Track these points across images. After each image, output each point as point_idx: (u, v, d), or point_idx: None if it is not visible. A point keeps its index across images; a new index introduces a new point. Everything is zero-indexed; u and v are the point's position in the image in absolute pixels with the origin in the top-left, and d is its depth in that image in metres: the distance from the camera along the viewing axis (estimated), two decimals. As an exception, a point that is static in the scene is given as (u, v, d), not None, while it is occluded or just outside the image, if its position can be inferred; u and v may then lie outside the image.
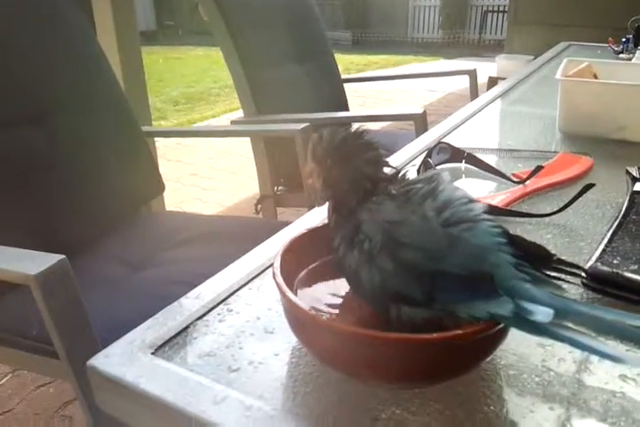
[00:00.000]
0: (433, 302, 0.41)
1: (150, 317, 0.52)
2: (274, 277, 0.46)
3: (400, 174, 0.48)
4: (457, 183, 0.85)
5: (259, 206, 1.67)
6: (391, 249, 0.42)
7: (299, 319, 0.45)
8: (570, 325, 0.37)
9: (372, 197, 0.46)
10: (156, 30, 9.68)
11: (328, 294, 0.51)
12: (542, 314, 0.37)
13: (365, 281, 0.44)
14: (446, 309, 0.40)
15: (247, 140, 1.81)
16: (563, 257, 0.61)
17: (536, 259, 0.44)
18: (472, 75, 2.10)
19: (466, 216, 0.43)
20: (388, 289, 0.42)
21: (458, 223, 0.42)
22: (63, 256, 0.79)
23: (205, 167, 3.37)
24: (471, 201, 0.45)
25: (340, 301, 0.51)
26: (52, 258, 0.78)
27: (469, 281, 0.40)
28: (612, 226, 0.62)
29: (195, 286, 0.57)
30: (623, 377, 0.44)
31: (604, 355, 0.35)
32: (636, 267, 0.53)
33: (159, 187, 1.43)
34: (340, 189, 0.48)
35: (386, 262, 0.42)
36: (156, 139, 1.96)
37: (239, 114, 1.84)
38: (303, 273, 0.52)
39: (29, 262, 0.78)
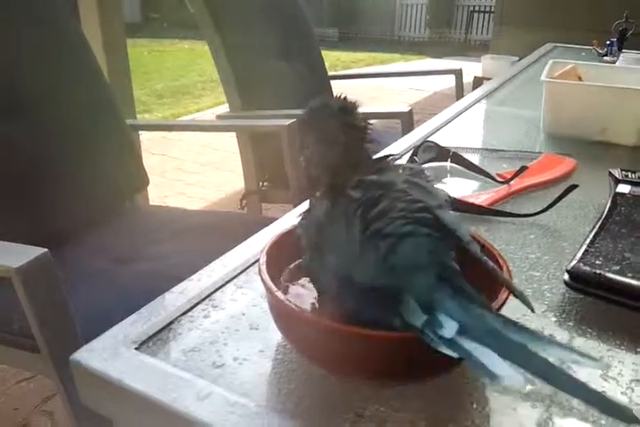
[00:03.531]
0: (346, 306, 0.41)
1: (134, 311, 0.52)
2: (259, 274, 0.45)
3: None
4: (441, 182, 0.86)
5: (243, 202, 1.67)
6: (318, 250, 0.44)
7: (284, 316, 0.45)
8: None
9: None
10: (140, 22, 9.59)
11: (314, 290, 0.51)
12: (446, 330, 0.35)
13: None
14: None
15: (232, 134, 1.80)
16: (545, 257, 0.62)
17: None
18: (458, 74, 2.11)
19: (395, 231, 0.41)
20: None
21: (385, 236, 0.41)
22: (45, 249, 0.78)
23: (190, 162, 3.35)
24: (412, 212, 0.42)
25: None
26: (35, 251, 0.77)
27: (373, 293, 0.39)
28: (594, 227, 0.63)
29: (179, 281, 0.57)
30: (605, 376, 0.44)
31: (491, 375, 0.33)
32: (617, 268, 0.54)
33: (143, 181, 1.42)
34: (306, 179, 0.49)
35: (315, 261, 0.45)
36: (140, 132, 1.94)
37: (224, 108, 1.83)
38: (290, 269, 0.52)
39: (11, 255, 0.78)
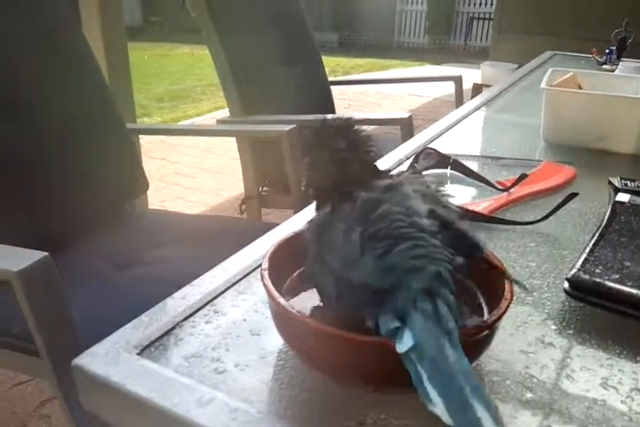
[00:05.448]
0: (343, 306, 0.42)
1: (134, 316, 0.52)
2: (262, 280, 0.46)
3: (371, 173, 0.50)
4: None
5: (243, 207, 1.67)
6: (320, 255, 0.44)
7: (286, 322, 0.45)
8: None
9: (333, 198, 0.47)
10: (141, 26, 9.60)
11: (318, 297, 0.51)
12: (401, 344, 0.37)
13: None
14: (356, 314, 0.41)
15: (231, 139, 1.81)
16: (545, 265, 0.63)
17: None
18: (458, 81, 2.12)
19: (391, 233, 0.42)
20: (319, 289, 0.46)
21: (382, 239, 0.41)
22: (46, 253, 0.78)
23: (190, 166, 3.35)
24: (408, 216, 0.43)
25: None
26: (35, 255, 0.77)
27: (371, 294, 0.40)
28: (594, 235, 0.63)
29: (179, 286, 0.57)
30: (604, 385, 0.44)
31: (426, 397, 0.35)
32: (617, 276, 0.54)
33: (143, 185, 1.42)
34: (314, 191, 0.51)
35: (317, 266, 0.45)
36: (140, 136, 1.95)
37: (224, 113, 1.84)
38: (293, 276, 0.52)
39: (12, 259, 0.78)
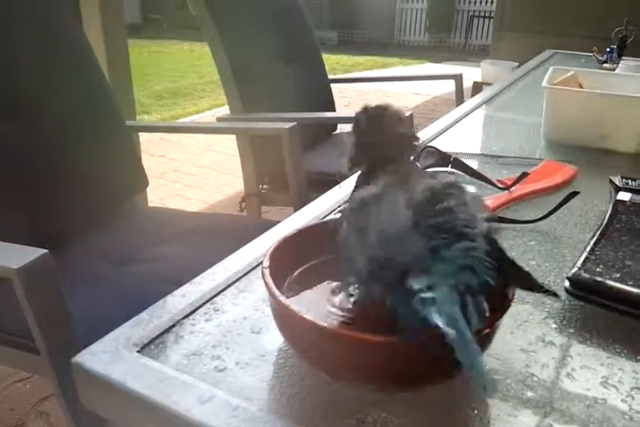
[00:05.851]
0: (374, 284, 0.42)
1: (133, 313, 0.52)
2: (263, 277, 0.46)
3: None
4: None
5: (243, 204, 1.67)
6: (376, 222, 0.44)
7: (287, 320, 0.45)
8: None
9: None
10: (140, 23, 9.60)
11: (319, 295, 0.51)
12: (422, 290, 0.38)
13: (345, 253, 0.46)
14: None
15: (231, 137, 1.81)
16: (546, 264, 0.62)
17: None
18: (458, 79, 2.11)
19: (454, 230, 0.42)
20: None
21: (443, 232, 0.42)
22: (46, 250, 0.78)
23: (189, 163, 3.35)
24: (470, 216, 0.43)
25: (331, 303, 0.51)
26: (35, 252, 0.77)
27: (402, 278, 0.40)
28: (595, 234, 0.63)
29: (178, 284, 0.57)
30: (605, 384, 0.44)
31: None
32: (618, 275, 0.54)
33: (143, 182, 1.42)
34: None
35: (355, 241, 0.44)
36: (139, 133, 1.94)
37: (223, 110, 1.84)
38: (294, 274, 0.52)
39: (12, 256, 0.77)
